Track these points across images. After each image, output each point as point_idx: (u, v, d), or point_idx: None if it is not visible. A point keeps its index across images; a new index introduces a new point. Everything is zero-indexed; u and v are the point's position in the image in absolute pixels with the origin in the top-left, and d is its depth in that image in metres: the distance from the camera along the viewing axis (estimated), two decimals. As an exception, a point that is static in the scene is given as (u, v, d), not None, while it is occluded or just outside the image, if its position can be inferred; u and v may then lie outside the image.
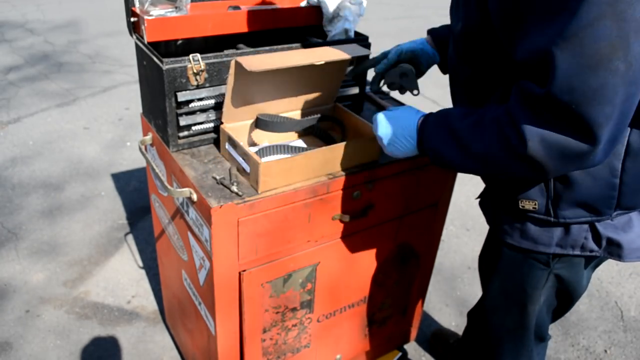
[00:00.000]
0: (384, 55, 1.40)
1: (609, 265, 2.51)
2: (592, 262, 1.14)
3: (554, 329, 2.15)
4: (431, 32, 1.42)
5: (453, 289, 2.35)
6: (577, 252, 1.06)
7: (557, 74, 0.76)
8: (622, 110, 0.78)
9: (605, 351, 2.07)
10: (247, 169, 1.18)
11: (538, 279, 1.14)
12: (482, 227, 2.75)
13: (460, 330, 2.11)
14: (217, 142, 1.37)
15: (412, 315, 1.81)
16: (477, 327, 1.44)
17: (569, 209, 1.00)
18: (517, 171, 0.89)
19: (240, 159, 1.21)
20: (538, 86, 0.81)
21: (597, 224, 1.03)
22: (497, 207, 1.16)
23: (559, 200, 1.00)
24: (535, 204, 1.02)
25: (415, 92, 1.35)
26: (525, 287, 1.16)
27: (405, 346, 1.99)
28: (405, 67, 1.32)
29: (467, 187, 3.09)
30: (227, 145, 1.26)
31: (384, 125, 1.10)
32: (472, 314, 1.48)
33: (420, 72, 1.38)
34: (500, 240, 1.15)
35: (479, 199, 1.26)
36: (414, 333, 1.90)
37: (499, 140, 0.87)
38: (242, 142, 1.22)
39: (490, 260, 1.25)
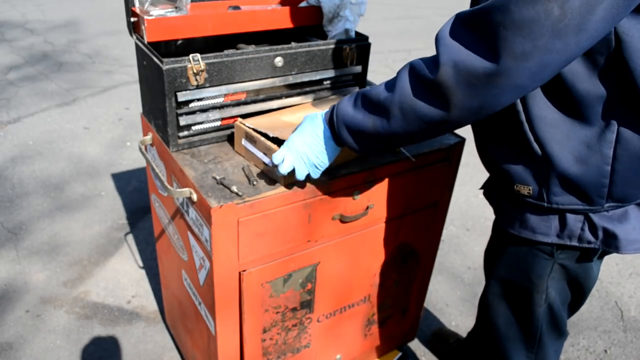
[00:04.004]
0: None
1: (609, 266, 2.51)
2: (596, 254, 1.13)
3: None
4: None
5: (453, 289, 2.35)
6: (575, 243, 1.06)
7: None
8: (540, 60, 0.78)
9: (605, 351, 2.07)
10: (270, 162, 1.16)
11: (543, 269, 1.14)
12: (482, 227, 2.75)
13: (460, 330, 2.11)
14: (218, 142, 1.37)
15: (412, 315, 1.81)
16: (482, 320, 1.41)
17: (561, 195, 1.01)
18: (421, 108, 0.87)
19: (260, 154, 1.20)
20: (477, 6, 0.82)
21: (591, 214, 1.03)
22: (498, 194, 1.17)
23: (551, 185, 1.00)
24: (529, 189, 1.03)
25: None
26: (530, 277, 1.17)
27: (406, 346, 1.99)
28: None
29: (467, 187, 3.09)
30: (243, 142, 1.25)
31: (285, 156, 1.08)
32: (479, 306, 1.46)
33: None
34: (503, 229, 1.17)
35: (482, 189, 1.28)
36: (414, 333, 1.90)
37: (409, 77, 0.88)
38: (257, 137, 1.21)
39: (497, 250, 1.26)
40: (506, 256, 1.21)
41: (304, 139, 1.08)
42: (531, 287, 1.18)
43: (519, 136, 0.98)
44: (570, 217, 1.05)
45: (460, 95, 0.83)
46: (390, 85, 0.93)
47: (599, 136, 0.92)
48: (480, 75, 0.80)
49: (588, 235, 1.05)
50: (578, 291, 1.21)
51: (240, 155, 1.30)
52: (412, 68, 0.89)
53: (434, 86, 0.84)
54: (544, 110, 0.94)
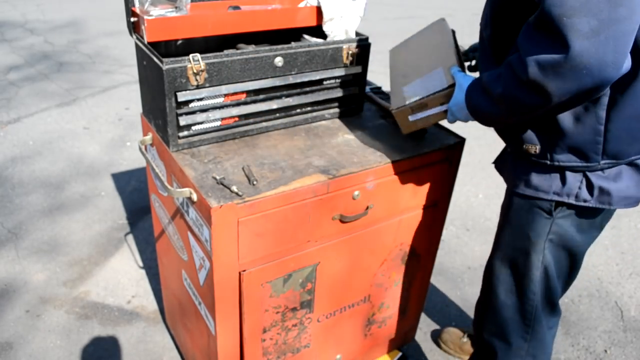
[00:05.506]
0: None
1: (609, 266, 2.51)
2: (591, 216, 1.24)
3: (554, 329, 2.15)
4: None
5: (453, 289, 2.35)
6: (572, 201, 1.19)
7: None
8: (611, 31, 0.86)
9: (605, 351, 2.07)
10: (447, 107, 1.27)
11: (542, 227, 1.26)
12: (482, 227, 2.75)
13: (460, 330, 2.11)
14: (218, 142, 1.37)
15: (412, 315, 1.81)
16: (485, 289, 1.50)
17: (562, 153, 1.14)
18: (528, 100, 1.00)
19: (437, 108, 1.29)
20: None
21: (589, 173, 1.15)
22: (510, 160, 1.30)
23: (555, 145, 1.14)
24: (536, 149, 1.17)
25: None
26: (529, 234, 1.28)
27: (405, 346, 1.99)
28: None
29: (467, 187, 3.09)
30: (411, 118, 1.32)
31: (463, 82, 1.23)
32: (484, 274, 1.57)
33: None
34: (511, 191, 1.29)
35: (494, 163, 1.42)
36: (414, 333, 1.90)
37: (511, 77, 1.01)
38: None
39: (504, 217, 1.36)
40: (510, 219, 1.32)
41: (457, 101, 1.23)
42: (530, 247, 1.30)
43: None
44: (569, 175, 1.17)
45: (553, 85, 0.94)
46: (500, 81, 1.05)
47: (595, 100, 1.05)
48: (562, 63, 0.90)
49: (585, 194, 1.18)
50: (571, 259, 1.33)
51: (411, 130, 1.36)
52: (511, 67, 1.01)
53: (529, 84, 0.97)
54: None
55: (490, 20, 1.18)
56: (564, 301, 2.28)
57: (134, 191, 2.92)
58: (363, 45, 1.47)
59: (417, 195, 1.47)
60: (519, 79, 0.99)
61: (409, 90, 1.35)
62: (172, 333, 1.98)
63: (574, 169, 1.16)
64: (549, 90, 0.95)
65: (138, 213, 2.73)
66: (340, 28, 1.48)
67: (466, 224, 2.78)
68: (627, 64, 0.93)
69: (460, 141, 1.49)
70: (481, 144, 3.52)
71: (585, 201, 1.18)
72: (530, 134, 1.17)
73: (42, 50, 4.89)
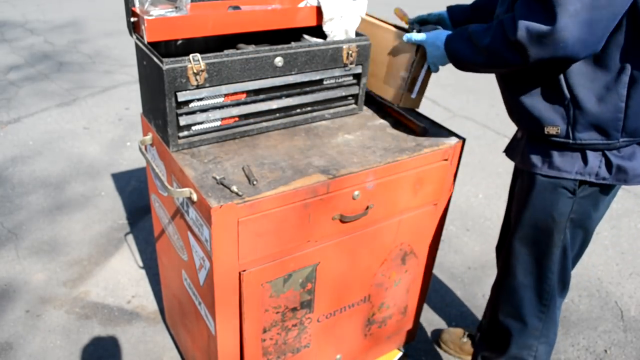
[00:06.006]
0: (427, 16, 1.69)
1: (609, 266, 2.51)
2: (606, 193, 1.34)
3: (554, 329, 2.15)
4: (449, 8, 1.65)
5: (453, 289, 2.35)
6: (593, 179, 1.27)
7: None
8: (588, 16, 1.02)
9: (605, 351, 2.07)
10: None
11: (565, 207, 1.33)
12: (482, 227, 2.75)
13: (460, 330, 2.11)
14: (218, 142, 1.37)
15: (412, 315, 1.81)
16: (502, 270, 1.55)
17: (584, 131, 1.22)
18: (509, 58, 1.14)
19: (423, 73, 1.44)
20: None
21: (608, 153, 1.24)
22: (527, 144, 1.35)
23: (576, 124, 1.22)
24: (557, 129, 1.24)
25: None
26: (553, 214, 1.35)
27: (405, 346, 1.99)
28: (433, 26, 1.60)
29: (467, 187, 3.09)
30: (413, 95, 1.47)
31: (424, 36, 1.37)
32: (499, 253, 1.64)
33: None
34: (531, 173, 1.35)
35: (505, 152, 1.49)
36: (414, 333, 1.90)
37: (500, 33, 1.14)
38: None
39: (525, 197, 1.40)
40: (533, 199, 1.37)
41: (434, 42, 1.36)
42: (553, 227, 1.36)
43: (553, 85, 1.21)
44: (590, 155, 1.25)
45: (533, 51, 1.09)
46: (488, 34, 1.18)
47: (616, 79, 1.15)
48: (546, 34, 1.05)
49: (604, 172, 1.26)
50: (584, 237, 1.42)
51: (420, 101, 1.50)
52: (502, 26, 1.14)
53: (515, 44, 1.11)
54: (575, 63, 1.16)
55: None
56: (564, 301, 2.28)
57: (134, 191, 2.92)
58: (363, 45, 1.47)
59: (417, 195, 1.47)
60: (507, 37, 1.12)
61: (391, 81, 1.49)
62: (172, 333, 1.98)
63: (594, 148, 1.24)
64: (529, 53, 1.10)
65: (138, 213, 2.73)
66: (340, 28, 1.48)
67: (466, 224, 2.78)
68: (598, 47, 1.08)
69: (460, 141, 1.49)
70: (481, 144, 3.52)
71: (604, 179, 1.26)
72: (551, 115, 1.24)
73: (42, 50, 4.89)
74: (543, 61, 1.11)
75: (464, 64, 1.28)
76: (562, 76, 1.18)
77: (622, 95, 1.16)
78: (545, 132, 1.26)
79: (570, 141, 1.24)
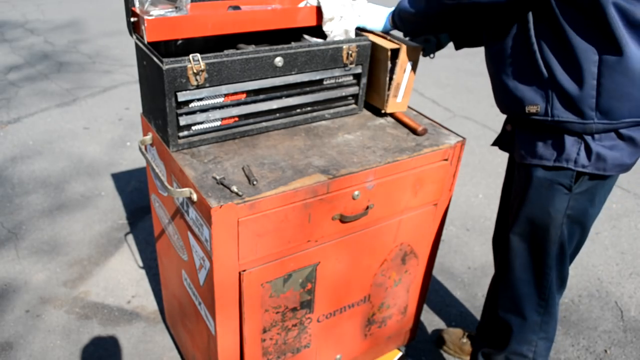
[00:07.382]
0: None
1: (609, 266, 2.51)
2: (602, 188, 1.36)
3: (554, 329, 2.15)
4: None
5: (453, 289, 2.35)
6: (571, 166, 1.28)
7: None
8: None
9: (605, 351, 2.07)
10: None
11: (561, 203, 1.34)
12: (482, 227, 2.75)
13: (460, 330, 2.11)
14: (218, 142, 1.37)
15: (412, 315, 1.81)
16: (500, 266, 1.56)
17: (561, 108, 1.25)
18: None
19: (406, 68, 1.50)
20: None
21: (586, 137, 1.26)
22: (515, 133, 1.39)
23: (554, 101, 1.26)
24: (537, 108, 1.28)
25: (431, 55, 1.68)
26: (549, 210, 1.36)
27: (406, 346, 1.99)
28: (430, 37, 1.65)
29: (467, 187, 3.09)
30: (398, 99, 1.54)
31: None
32: (497, 249, 1.66)
33: (440, 45, 1.67)
34: (527, 169, 1.37)
35: (495, 145, 1.53)
36: (414, 333, 1.90)
37: None
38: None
39: (521, 193, 1.42)
40: (530, 195, 1.38)
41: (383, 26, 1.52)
42: (549, 223, 1.37)
43: (532, 64, 1.25)
44: (568, 140, 1.27)
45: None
46: None
47: (586, 57, 1.19)
48: None
49: (583, 159, 1.28)
50: (582, 233, 1.43)
51: (409, 96, 1.55)
52: None
53: None
54: (550, 42, 1.22)
55: None
56: (564, 301, 2.28)
57: (134, 191, 2.92)
58: (363, 45, 1.47)
59: (417, 195, 1.47)
60: None
61: (376, 88, 1.55)
62: (172, 333, 1.99)
63: (571, 129, 1.26)
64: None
65: (138, 213, 2.73)
66: (340, 28, 1.48)
67: (466, 224, 2.78)
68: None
69: (461, 141, 1.49)
70: (481, 144, 3.52)
71: (583, 167, 1.28)
72: (531, 95, 1.29)
73: (42, 50, 4.89)
74: (472, 5, 1.20)
75: (407, 20, 1.39)
76: (539, 55, 1.24)
77: (594, 73, 1.19)
78: (527, 112, 1.31)
79: (549, 118, 1.27)
